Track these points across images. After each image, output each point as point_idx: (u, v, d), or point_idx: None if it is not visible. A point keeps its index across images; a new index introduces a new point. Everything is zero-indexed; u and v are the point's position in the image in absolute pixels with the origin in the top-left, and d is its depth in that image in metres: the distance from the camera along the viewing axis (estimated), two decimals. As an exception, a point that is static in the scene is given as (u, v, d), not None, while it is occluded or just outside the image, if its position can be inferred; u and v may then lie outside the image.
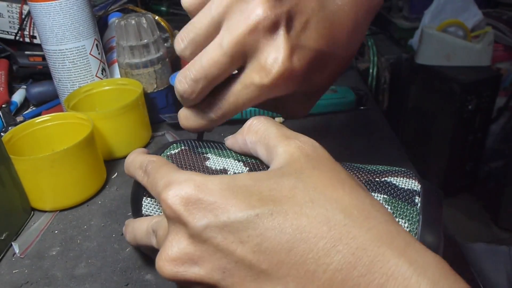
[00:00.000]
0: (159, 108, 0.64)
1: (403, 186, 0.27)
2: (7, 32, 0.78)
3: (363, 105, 0.65)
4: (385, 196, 0.26)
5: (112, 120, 0.54)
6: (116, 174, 0.54)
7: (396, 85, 1.38)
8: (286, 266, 0.20)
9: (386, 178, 0.27)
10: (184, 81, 0.29)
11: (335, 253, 0.20)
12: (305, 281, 0.20)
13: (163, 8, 1.07)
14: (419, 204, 0.25)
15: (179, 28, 0.91)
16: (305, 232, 0.20)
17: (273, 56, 0.26)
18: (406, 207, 0.25)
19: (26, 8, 0.76)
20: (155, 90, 0.63)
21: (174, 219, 0.23)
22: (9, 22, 0.77)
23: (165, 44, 0.76)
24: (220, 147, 0.32)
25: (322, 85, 0.33)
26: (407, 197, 0.26)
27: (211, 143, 0.33)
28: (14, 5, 0.76)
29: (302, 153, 0.24)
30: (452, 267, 0.20)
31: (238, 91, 0.29)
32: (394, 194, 0.26)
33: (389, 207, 0.25)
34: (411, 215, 0.25)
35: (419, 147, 1.49)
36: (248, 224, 0.21)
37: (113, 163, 0.56)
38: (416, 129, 1.49)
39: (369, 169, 0.29)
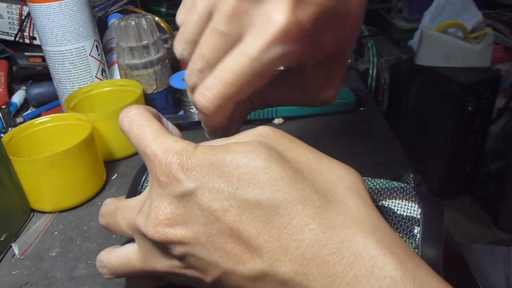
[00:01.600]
0: (159, 109, 0.64)
1: (401, 213, 0.26)
2: (7, 33, 0.78)
3: (362, 106, 0.65)
4: None
5: (112, 121, 0.54)
6: (116, 175, 0.54)
7: (395, 86, 1.38)
8: (263, 237, 0.22)
9: (383, 202, 0.26)
10: (192, 74, 0.28)
11: (308, 231, 0.21)
12: (279, 254, 0.21)
13: (163, 9, 1.07)
14: (418, 236, 0.25)
15: (178, 29, 0.91)
16: (281, 208, 0.21)
17: (276, 8, 0.24)
18: (404, 239, 0.24)
19: (26, 9, 0.76)
20: (155, 91, 0.63)
21: (167, 178, 0.24)
22: (9, 23, 0.77)
23: (165, 45, 0.76)
24: None
25: (336, 49, 0.30)
26: (405, 227, 0.25)
27: None
28: (14, 6, 0.76)
29: (268, 137, 0.24)
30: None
31: (234, 61, 0.25)
32: (392, 224, 0.25)
33: None
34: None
35: (418, 148, 1.49)
36: (229, 194, 0.22)
37: (113, 164, 0.56)
38: (415, 130, 1.49)
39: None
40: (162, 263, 0.26)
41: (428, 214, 0.25)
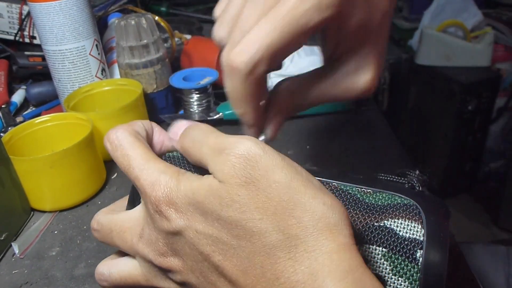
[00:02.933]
0: (159, 108, 0.64)
1: (404, 234, 0.25)
2: (7, 32, 0.78)
3: (363, 106, 0.65)
4: (383, 249, 0.24)
5: (112, 120, 0.54)
6: (116, 174, 0.54)
7: (396, 85, 1.38)
8: (243, 284, 0.22)
9: (385, 221, 0.25)
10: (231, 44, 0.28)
11: (278, 285, 0.21)
12: None
13: (163, 9, 1.07)
14: (420, 260, 0.24)
15: (179, 28, 0.91)
16: (255, 260, 0.22)
17: None
18: (406, 263, 0.24)
19: (26, 9, 0.76)
20: (155, 91, 0.63)
21: (157, 214, 0.24)
22: (9, 22, 0.77)
23: (165, 44, 0.76)
24: None
25: (366, 20, 0.29)
26: (407, 249, 0.24)
27: None
28: (14, 5, 0.76)
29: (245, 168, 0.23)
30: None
31: (272, 15, 0.25)
32: (394, 247, 0.24)
33: (387, 263, 0.24)
34: (411, 273, 0.24)
35: (419, 148, 1.49)
36: (212, 241, 0.23)
37: (113, 163, 0.56)
38: (416, 129, 1.49)
39: (367, 201, 0.26)
40: (165, 284, 0.27)
41: (432, 237, 0.24)
